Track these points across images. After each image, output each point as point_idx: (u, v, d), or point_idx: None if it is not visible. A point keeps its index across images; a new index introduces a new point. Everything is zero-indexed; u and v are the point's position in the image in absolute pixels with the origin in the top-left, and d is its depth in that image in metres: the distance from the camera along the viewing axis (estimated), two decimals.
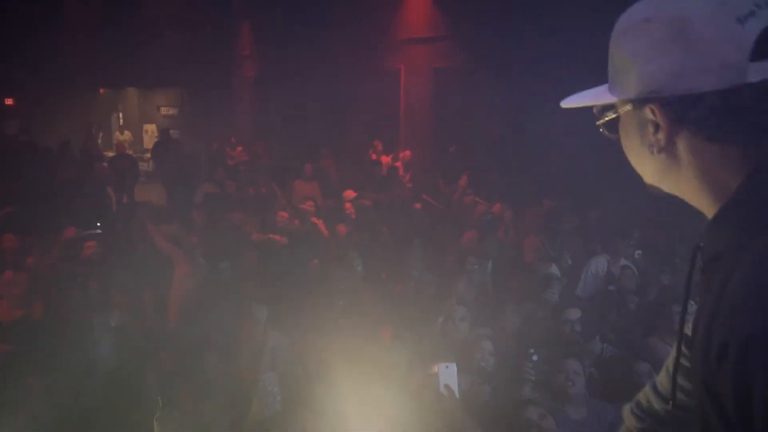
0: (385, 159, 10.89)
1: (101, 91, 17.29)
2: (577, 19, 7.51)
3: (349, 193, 8.15)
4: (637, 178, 1.10)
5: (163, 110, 17.48)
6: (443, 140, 11.02)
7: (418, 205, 8.11)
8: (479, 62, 10.03)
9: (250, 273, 5.43)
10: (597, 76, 1.11)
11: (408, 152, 10.97)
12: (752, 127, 0.89)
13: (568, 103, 1.12)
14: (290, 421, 3.03)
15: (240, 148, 12.28)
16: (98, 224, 6.78)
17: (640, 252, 5.62)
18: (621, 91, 1.00)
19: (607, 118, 1.05)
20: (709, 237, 0.94)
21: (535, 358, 3.47)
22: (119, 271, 4.87)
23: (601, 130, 1.08)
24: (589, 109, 1.11)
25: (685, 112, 0.92)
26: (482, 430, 3.11)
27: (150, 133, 16.93)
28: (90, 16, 14.73)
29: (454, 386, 3.27)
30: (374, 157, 10.89)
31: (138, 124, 17.46)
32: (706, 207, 0.97)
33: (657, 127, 0.95)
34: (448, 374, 3.28)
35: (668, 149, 0.95)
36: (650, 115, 0.95)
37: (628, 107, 0.99)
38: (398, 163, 10.74)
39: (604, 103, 1.05)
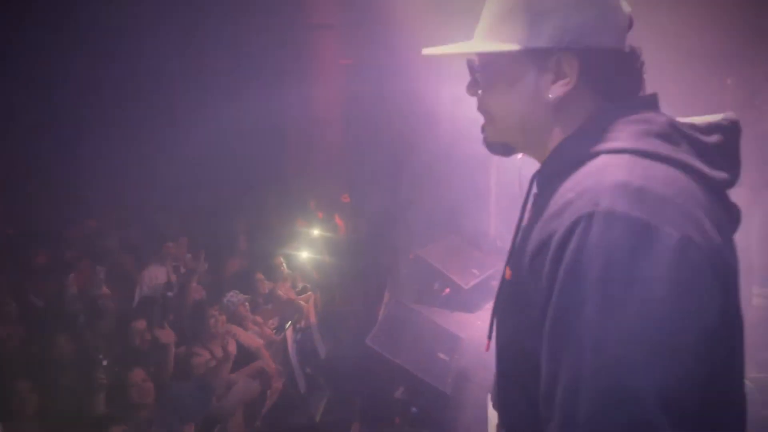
0: None
1: None
2: None
3: None
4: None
5: None
6: None
7: None
8: None
9: None
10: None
11: None
12: (623, 82, 1.06)
13: (443, 51, 1.14)
14: None
15: None
16: None
17: (189, 255, 5.96)
18: (526, 41, 1.05)
19: (487, 69, 1.10)
20: (549, 162, 1.08)
21: (105, 362, 3.47)
22: None
23: (476, 80, 1.13)
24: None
25: (591, 63, 1.03)
26: None
27: None
28: None
29: None
30: None
31: None
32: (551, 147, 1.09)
33: (558, 75, 1.04)
34: None
35: (561, 97, 1.05)
36: (554, 65, 1.04)
37: (521, 58, 1.06)
38: None
39: (489, 52, 1.09)
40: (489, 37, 1.10)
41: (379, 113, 7.25)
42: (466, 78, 1.16)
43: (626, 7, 1.09)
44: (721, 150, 1.03)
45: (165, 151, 7.04)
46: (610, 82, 1.06)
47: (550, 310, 0.89)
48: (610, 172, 0.92)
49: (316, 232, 6.68)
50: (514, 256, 1.08)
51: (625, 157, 0.95)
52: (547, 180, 1.06)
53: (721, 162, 1.01)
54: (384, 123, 7.33)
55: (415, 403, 3.15)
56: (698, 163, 0.97)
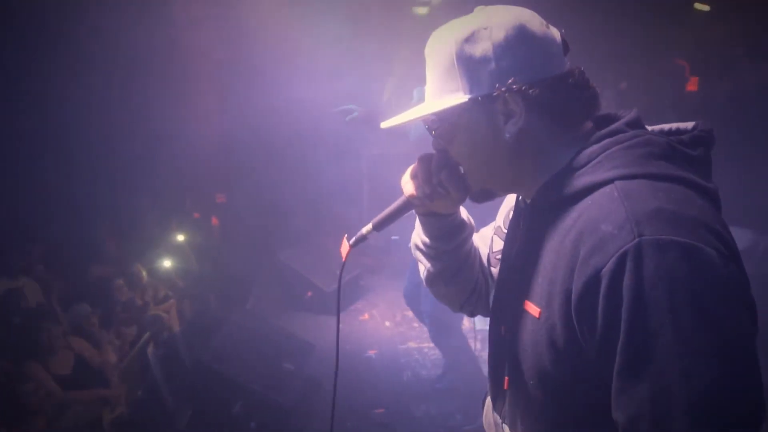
0: None
1: None
2: None
3: None
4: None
5: None
6: None
7: None
8: None
9: None
10: None
11: None
12: (575, 105, 1.11)
13: (396, 122, 1.20)
14: None
15: None
16: None
17: (42, 266, 5.52)
18: (469, 91, 1.11)
19: (444, 125, 1.16)
20: (546, 193, 1.12)
21: None
22: None
23: (438, 136, 1.20)
24: None
25: (534, 97, 1.08)
26: None
27: None
28: None
29: None
30: None
31: None
32: (530, 181, 1.15)
33: (509, 115, 1.10)
34: None
35: (518, 135, 1.10)
36: (501, 107, 1.10)
37: (471, 107, 1.11)
38: None
39: (436, 112, 1.15)
40: (437, 95, 1.16)
41: (255, 110, 7.03)
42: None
43: (555, 33, 1.13)
44: (704, 161, 1.10)
45: (19, 148, 6.47)
46: (560, 107, 1.11)
47: (623, 344, 0.92)
48: (638, 199, 0.96)
49: (189, 235, 6.36)
50: (538, 294, 1.09)
51: (642, 182, 1.00)
52: (546, 210, 1.11)
53: (705, 173, 1.09)
54: (259, 120, 7.12)
55: (254, 418, 3.01)
56: (699, 180, 1.04)
